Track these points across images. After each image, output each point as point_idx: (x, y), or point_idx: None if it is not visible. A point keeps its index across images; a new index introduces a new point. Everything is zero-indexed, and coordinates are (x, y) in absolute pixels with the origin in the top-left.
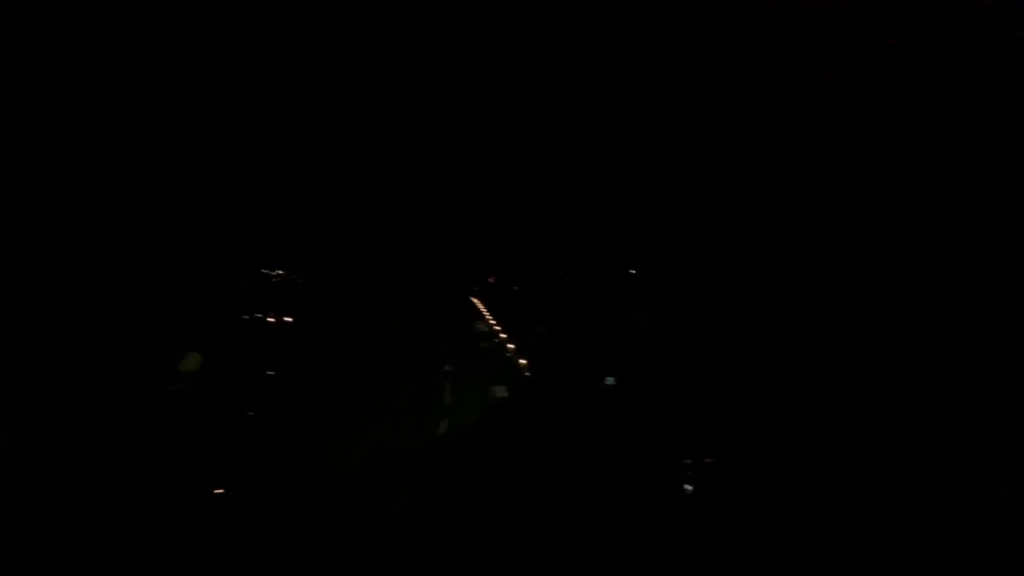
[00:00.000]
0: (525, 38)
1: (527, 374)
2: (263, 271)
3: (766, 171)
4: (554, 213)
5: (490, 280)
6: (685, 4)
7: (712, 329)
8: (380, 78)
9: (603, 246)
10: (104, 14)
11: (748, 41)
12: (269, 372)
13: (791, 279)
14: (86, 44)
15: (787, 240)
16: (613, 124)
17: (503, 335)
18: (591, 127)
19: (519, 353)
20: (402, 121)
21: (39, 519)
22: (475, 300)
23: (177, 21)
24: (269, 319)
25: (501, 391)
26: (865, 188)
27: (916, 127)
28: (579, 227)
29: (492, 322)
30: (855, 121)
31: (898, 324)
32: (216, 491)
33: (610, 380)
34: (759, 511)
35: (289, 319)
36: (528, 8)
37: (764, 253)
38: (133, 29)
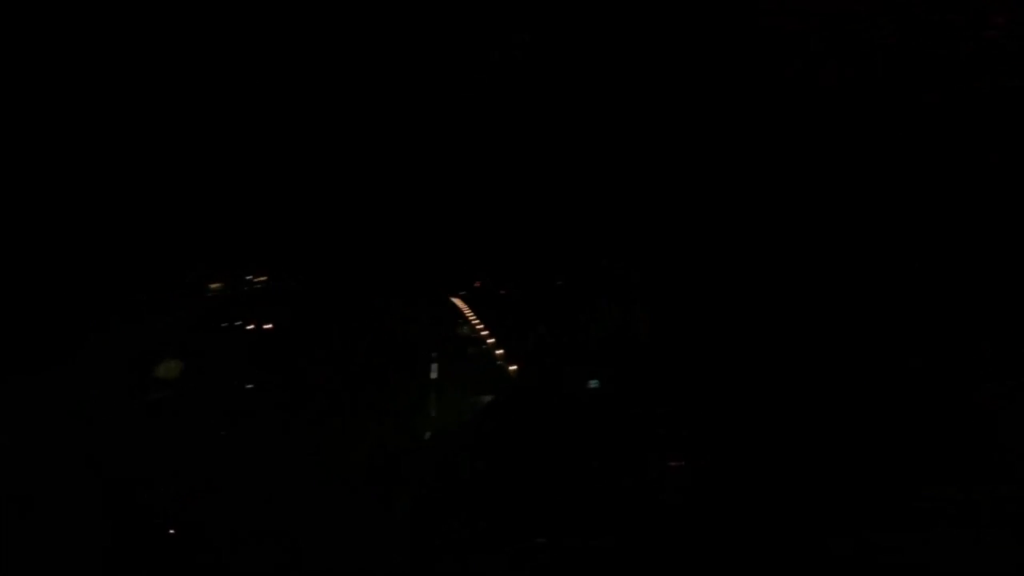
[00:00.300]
0: (514, 40)
1: (517, 380)
2: (247, 277)
3: (765, 171)
4: (547, 214)
5: (476, 284)
6: (684, 3)
7: (710, 328)
8: (373, 83)
9: (600, 247)
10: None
11: (748, 41)
12: (269, 372)
13: (790, 279)
14: (84, 48)
15: (786, 240)
16: (609, 123)
17: (490, 340)
18: (586, 126)
19: (508, 359)
20: (390, 124)
21: (39, 519)
22: (460, 304)
23: (165, 25)
24: (266, 321)
25: (488, 398)
26: (865, 188)
27: (916, 127)
28: (573, 229)
29: (479, 326)
30: (855, 121)
31: (898, 324)
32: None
33: (594, 383)
34: (759, 511)
35: (286, 320)
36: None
37: (763, 252)
38: (126, 33)
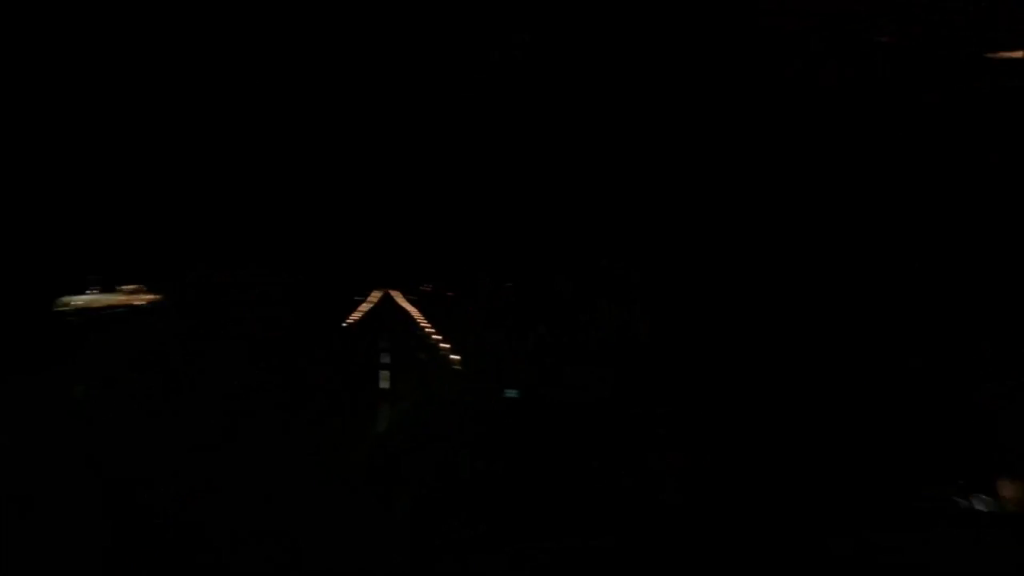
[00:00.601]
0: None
1: (472, 387)
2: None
3: (765, 171)
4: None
5: (425, 288)
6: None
7: (710, 328)
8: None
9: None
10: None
11: (747, 41)
12: (269, 372)
13: (790, 279)
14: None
15: (786, 240)
16: (606, 124)
17: (444, 346)
18: (583, 126)
19: (465, 366)
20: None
21: (39, 519)
22: (412, 310)
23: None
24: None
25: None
26: (865, 188)
27: (916, 127)
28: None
29: (432, 332)
30: (855, 121)
31: (898, 324)
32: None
33: (512, 393)
34: (759, 511)
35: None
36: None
37: (762, 253)
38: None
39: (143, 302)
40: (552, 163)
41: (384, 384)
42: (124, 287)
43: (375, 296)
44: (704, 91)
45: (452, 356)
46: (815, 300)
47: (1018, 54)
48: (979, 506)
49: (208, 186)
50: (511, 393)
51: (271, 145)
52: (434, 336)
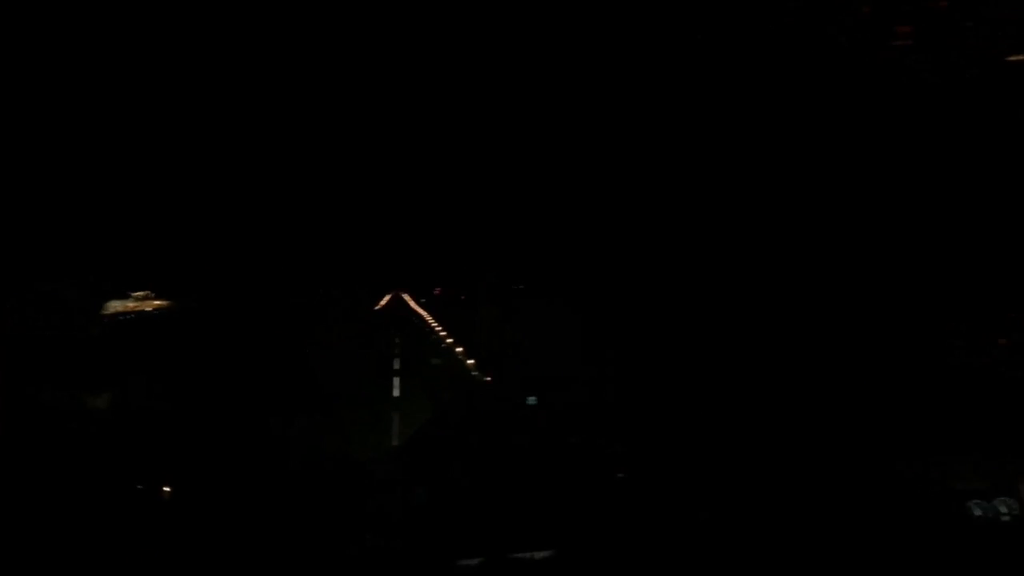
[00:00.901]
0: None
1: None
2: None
3: (756, 165)
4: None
5: (436, 292)
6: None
7: (708, 328)
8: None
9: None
10: None
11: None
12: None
13: (790, 277)
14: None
15: (785, 238)
16: (584, 111)
17: (459, 349)
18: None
19: (477, 369)
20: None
21: (41, 518)
22: (423, 313)
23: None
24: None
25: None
26: (863, 187)
27: (916, 126)
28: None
29: (443, 334)
30: (851, 117)
31: (899, 324)
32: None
33: (532, 400)
34: (759, 511)
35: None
36: None
37: (759, 250)
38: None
39: (153, 308)
40: (558, 165)
41: (396, 392)
42: (134, 293)
43: (385, 300)
44: (699, 89)
45: (468, 361)
46: (816, 300)
47: None
48: (1002, 511)
49: (213, 189)
50: (531, 400)
51: (279, 152)
52: (447, 339)
